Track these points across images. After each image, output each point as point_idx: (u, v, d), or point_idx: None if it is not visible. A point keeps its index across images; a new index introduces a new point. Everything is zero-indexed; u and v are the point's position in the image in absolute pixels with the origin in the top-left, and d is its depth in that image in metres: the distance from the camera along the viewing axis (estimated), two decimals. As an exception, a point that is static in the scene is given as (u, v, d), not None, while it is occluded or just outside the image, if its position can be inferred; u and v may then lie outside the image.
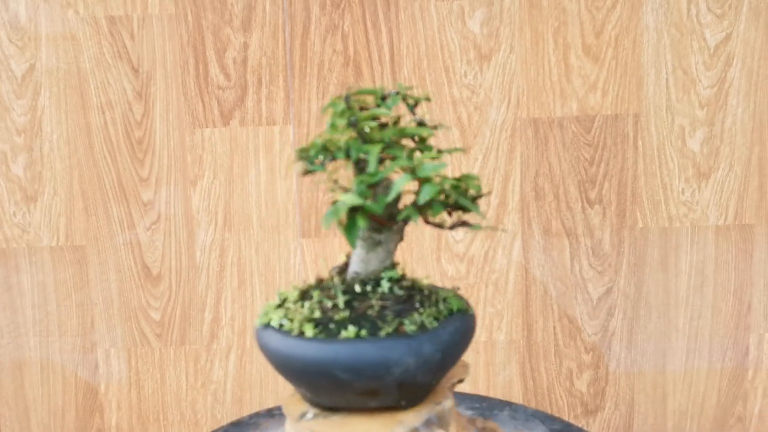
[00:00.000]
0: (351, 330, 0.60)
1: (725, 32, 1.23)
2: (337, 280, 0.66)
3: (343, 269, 0.69)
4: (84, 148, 1.27)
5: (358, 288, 0.64)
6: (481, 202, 1.27)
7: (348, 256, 0.71)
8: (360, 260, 0.69)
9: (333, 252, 1.29)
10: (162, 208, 1.28)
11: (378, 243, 0.68)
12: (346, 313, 0.61)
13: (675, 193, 1.26)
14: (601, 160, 1.26)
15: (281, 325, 0.62)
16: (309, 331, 0.60)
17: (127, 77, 1.25)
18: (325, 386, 0.60)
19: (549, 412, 1.30)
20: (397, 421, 0.61)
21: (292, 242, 1.29)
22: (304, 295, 0.66)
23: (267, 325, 0.63)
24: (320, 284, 0.67)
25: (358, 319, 0.61)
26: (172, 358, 1.31)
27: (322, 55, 1.25)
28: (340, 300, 0.63)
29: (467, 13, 1.23)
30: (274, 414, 0.99)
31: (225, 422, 1.31)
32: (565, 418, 1.30)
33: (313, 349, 0.59)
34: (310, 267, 1.29)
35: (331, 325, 0.61)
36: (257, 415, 1.00)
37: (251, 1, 1.23)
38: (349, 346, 0.58)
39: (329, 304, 0.63)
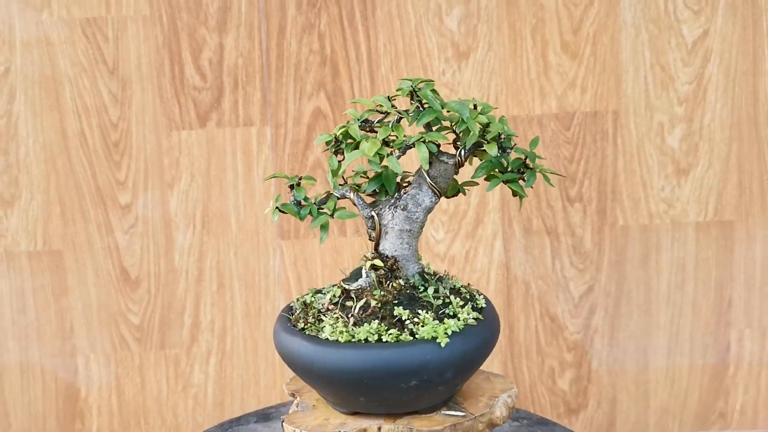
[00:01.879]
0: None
1: (702, 28, 1.22)
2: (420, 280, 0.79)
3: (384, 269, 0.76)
4: (60, 151, 1.26)
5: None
6: (462, 202, 1.26)
7: (372, 255, 0.73)
8: (414, 250, 0.75)
9: (313, 254, 1.28)
10: (140, 211, 1.27)
11: (423, 226, 0.76)
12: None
13: (655, 190, 1.26)
14: (581, 157, 1.26)
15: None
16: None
17: (102, 80, 1.24)
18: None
19: (531, 411, 1.30)
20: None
21: (271, 244, 1.28)
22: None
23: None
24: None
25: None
26: (152, 363, 1.30)
27: (298, 54, 1.24)
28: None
29: (444, 10, 1.22)
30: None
31: (207, 426, 1.30)
32: (548, 417, 1.30)
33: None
34: (289, 269, 1.28)
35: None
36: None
37: (226, 1, 1.22)
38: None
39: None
